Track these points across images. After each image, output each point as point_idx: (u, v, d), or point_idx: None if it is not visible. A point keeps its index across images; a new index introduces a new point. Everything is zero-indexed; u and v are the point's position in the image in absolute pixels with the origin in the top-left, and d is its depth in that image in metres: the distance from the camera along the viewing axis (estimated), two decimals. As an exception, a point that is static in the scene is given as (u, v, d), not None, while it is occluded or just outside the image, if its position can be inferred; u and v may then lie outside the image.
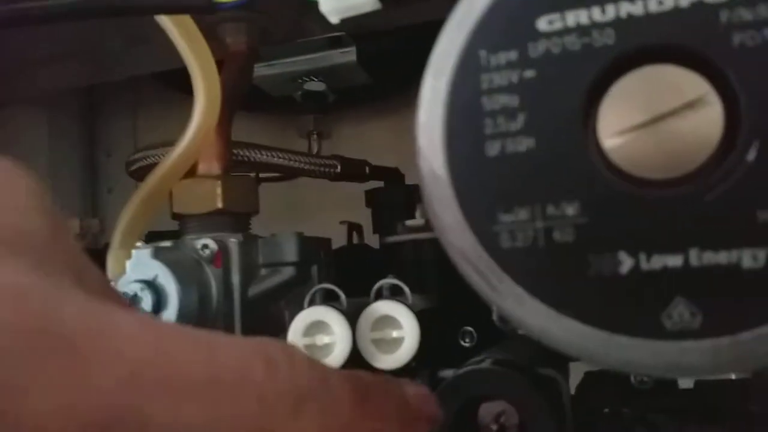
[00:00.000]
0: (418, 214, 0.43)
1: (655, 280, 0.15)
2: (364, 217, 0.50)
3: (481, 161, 0.17)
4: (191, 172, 0.38)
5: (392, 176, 0.51)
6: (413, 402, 0.21)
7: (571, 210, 0.16)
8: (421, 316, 0.33)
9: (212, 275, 0.35)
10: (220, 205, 0.37)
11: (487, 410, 0.32)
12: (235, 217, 0.38)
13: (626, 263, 0.16)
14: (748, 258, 0.15)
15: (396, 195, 0.49)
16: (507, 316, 0.17)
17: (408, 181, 0.51)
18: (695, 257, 0.15)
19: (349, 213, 0.51)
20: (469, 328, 0.39)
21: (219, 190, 0.37)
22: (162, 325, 0.15)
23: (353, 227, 0.49)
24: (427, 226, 0.41)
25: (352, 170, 0.48)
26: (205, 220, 0.37)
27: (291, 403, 0.16)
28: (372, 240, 0.49)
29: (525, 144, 0.16)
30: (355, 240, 0.49)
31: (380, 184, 0.51)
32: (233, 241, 0.36)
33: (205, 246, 0.34)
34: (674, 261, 0.15)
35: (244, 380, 0.15)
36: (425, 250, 0.40)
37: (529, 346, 0.32)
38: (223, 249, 0.35)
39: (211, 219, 0.37)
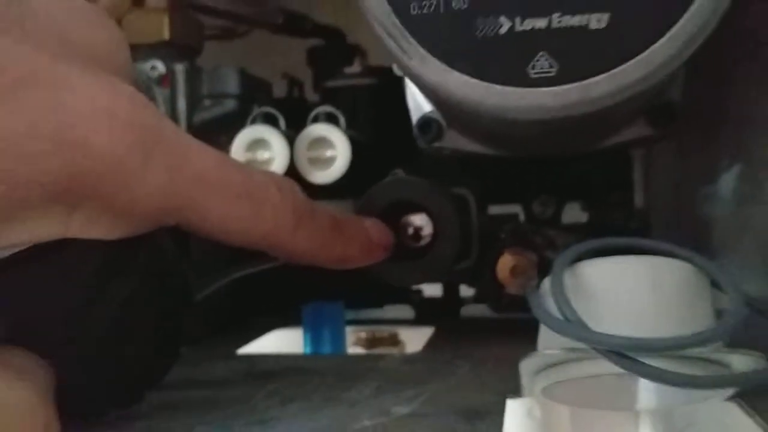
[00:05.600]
0: (356, 63, 0.46)
1: (525, 39, 0.20)
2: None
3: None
4: (139, 5, 0.40)
5: (333, 35, 0.54)
6: (373, 233, 0.30)
7: (465, -19, 0.20)
8: (353, 142, 0.37)
9: (160, 97, 0.37)
10: (166, 35, 0.39)
11: (408, 223, 0.37)
12: (181, 49, 0.40)
13: (505, 25, 0.20)
14: (594, 20, 0.19)
15: (337, 52, 0.52)
16: (412, 75, 0.21)
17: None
18: (556, 20, 0.19)
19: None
20: (399, 170, 0.43)
21: (166, 21, 0.39)
22: (216, 151, 0.21)
23: (294, 82, 0.52)
24: (364, 73, 0.44)
25: (294, 23, 0.50)
26: (153, 49, 0.39)
27: (292, 221, 0.23)
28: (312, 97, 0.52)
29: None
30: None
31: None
32: (179, 67, 0.38)
33: (154, 67, 0.37)
34: (540, 23, 0.19)
35: (266, 196, 0.22)
36: (361, 95, 0.43)
37: (444, 168, 0.37)
38: (170, 71, 0.37)
39: (158, 49, 0.39)
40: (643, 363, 0.19)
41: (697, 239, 0.40)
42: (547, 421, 0.31)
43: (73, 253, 0.19)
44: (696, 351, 0.20)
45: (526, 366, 0.23)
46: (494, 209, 0.41)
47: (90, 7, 0.21)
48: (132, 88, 0.19)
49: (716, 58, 0.35)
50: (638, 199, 0.45)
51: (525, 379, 0.24)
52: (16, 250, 0.19)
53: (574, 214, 0.41)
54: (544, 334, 0.24)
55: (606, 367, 0.21)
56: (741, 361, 0.21)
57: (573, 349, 0.21)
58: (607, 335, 0.20)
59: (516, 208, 0.41)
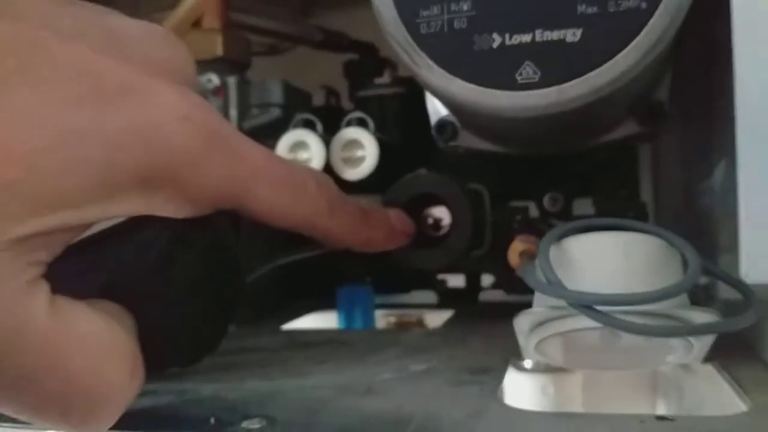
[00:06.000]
0: (386, 75, 0.51)
1: (513, 52, 0.24)
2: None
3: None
4: (197, 26, 0.46)
5: (367, 50, 0.59)
6: (395, 222, 0.35)
7: (465, 6, 0.25)
8: (381, 144, 0.42)
9: (215, 106, 0.43)
10: (220, 52, 0.45)
11: (428, 214, 0.41)
12: (233, 64, 0.46)
13: (497, 40, 0.24)
14: (570, 35, 0.24)
15: (369, 65, 0.57)
16: (423, 83, 0.26)
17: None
18: (538, 35, 0.24)
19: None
20: (423, 171, 0.47)
21: (220, 40, 0.45)
22: (266, 148, 0.25)
23: (331, 92, 0.57)
24: (392, 84, 0.49)
25: (332, 40, 0.56)
26: (209, 64, 0.45)
27: (327, 208, 0.27)
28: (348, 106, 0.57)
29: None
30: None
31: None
32: (231, 80, 0.44)
33: (209, 80, 0.42)
34: (525, 38, 0.24)
35: (306, 187, 0.26)
36: (389, 102, 0.48)
37: (462, 166, 0.41)
38: (224, 83, 0.43)
39: (213, 64, 0.45)
40: (610, 315, 0.23)
41: (700, 232, 0.43)
42: (560, 395, 0.35)
43: (154, 226, 0.24)
44: (660, 308, 0.24)
45: (519, 323, 0.27)
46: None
47: (162, 29, 0.26)
48: (200, 97, 0.24)
49: (715, 61, 0.38)
50: (645, 195, 0.49)
51: (521, 338, 0.28)
52: (112, 223, 0.24)
53: (586, 209, 0.45)
54: (537, 299, 0.28)
55: (585, 322, 0.25)
56: (699, 317, 0.24)
57: (557, 307, 0.25)
58: (580, 292, 0.24)
59: (529, 204, 0.45)
